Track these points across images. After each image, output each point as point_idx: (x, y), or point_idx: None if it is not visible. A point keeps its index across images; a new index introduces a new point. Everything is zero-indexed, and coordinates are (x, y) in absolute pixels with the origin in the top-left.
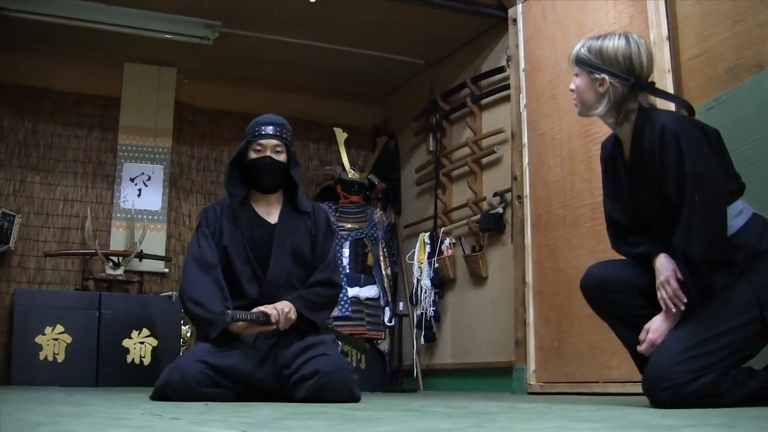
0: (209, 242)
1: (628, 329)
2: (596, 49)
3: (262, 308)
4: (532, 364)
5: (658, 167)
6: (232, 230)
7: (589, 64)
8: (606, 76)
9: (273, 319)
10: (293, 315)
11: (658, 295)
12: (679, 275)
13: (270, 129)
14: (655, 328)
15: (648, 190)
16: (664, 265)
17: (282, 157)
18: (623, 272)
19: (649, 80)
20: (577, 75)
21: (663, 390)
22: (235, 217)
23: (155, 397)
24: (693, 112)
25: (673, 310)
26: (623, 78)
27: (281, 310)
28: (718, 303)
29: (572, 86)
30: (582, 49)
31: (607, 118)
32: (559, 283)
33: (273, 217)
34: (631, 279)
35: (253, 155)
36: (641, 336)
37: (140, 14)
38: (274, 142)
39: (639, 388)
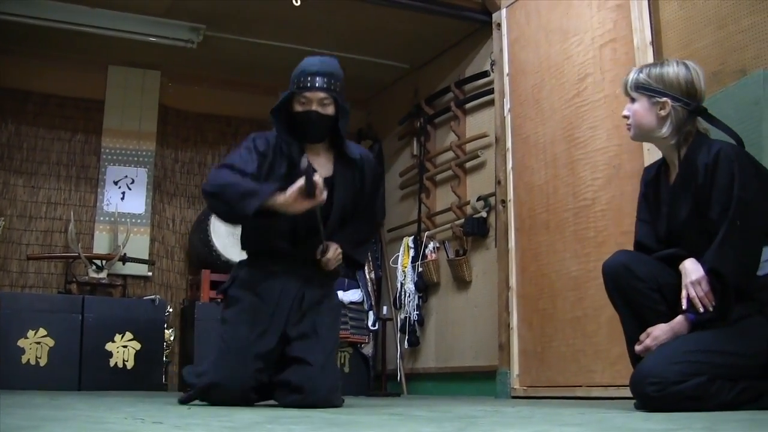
0: (253, 158)
1: (634, 321)
2: (657, 75)
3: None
4: (515, 368)
5: (708, 186)
6: (284, 174)
7: (651, 88)
8: (668, 100)
9: (318, 193)
10: (340, 257)
11: (684, 293)
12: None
13: (317, 80)
14: (656, 335)
15: (689, 210)
16: (695, 267)
17: (330, 110)
18: (649, 265)
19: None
20: (633, 100)
21: (649, 386)
22: (291, 162)
23: (195, 398)
24: (743, 144)
25: (701, 309)
26: (685, 102)
27: (332, 251)
28: (731, 329)
29: (627, 112)
30: (641, 75)
31: (667, 141)
32: (543, 287)
33: (324, 169)
34: (654, 273)
35: (297, 107)
36: (642, 336)
37: (124, 17)
38: (321, 95)
39: (622, 393)
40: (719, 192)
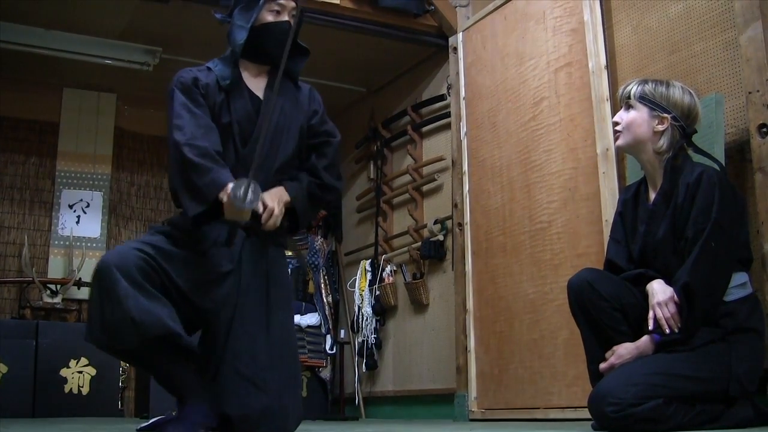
0: (203, 112)
1: (595, 340)
2: (663, 92)
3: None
4: (473, 391)
5: (688, 206)
6: (221, 105)
7: (655, 102)
8: (669, 118)
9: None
10: (281, 215)
11: (651, 314)
12: (676, 299)
13: None
14: (620, 354)
15: (666, 229)
16: (662, 288)
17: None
18: (613, 284)
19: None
20: (631, 108)
21: (608, 406)
22: (227, 89)
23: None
24: (725, 171)
25: (667, 330)
26: (681, 125)
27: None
28: (693, 354)
29: (618, 119)
30: (646, 87)
31: (657, 157)
32: (500, 310)
33: (260, 91)
34: (618, 292)
35: (268, 17)
36: (607, 354)
37: (80, 39)
38: (293, 4)
39: (579, 414)
40: (698, 212)
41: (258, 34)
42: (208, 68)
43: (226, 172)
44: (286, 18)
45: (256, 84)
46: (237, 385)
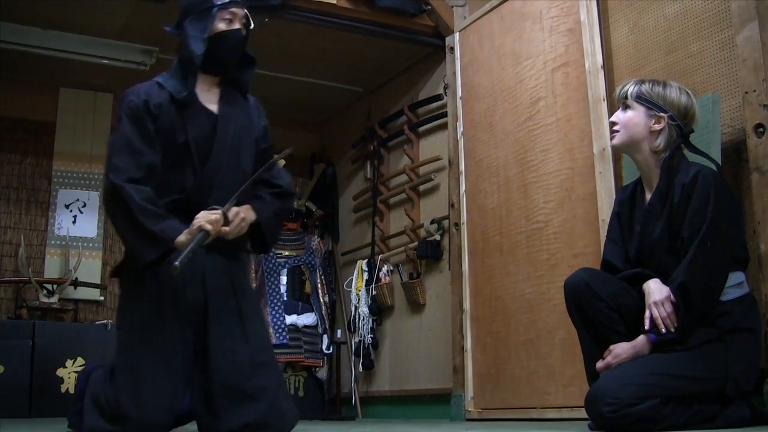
0: (149, 136)
1: (591, 339)
2: (660, 92)
3: (201, 222)
4: (469, 391)
5: (684, 206)
6: (176, 124)
7: (652, 101)
8: (665, 117)
9: (213, 232)
10: (246, 226)
11: (647, 313)
12: (673, 299)
13: None
14: (617, 353)
15: (662, 229)
16: (658, 288)
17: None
18: (610, 284)
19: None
20: (628, 108)
21: (605, 406)
22: (181, 105)
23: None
24: (721, 171)
25: (663, 330)
26: (678, 124)
27: (234, 216)
28: (689, 354)
29: (615, 119)
30: (643, 87)
31: (653, 156)
32: (496, 310)
33: (214, 105)
34: (615, 292)
35: (221, 26)
36: (605, 353)
37: (76, 39)
38: (244, 12)
39: (576, 414)
40: (693, 212)
41: (212, 43)
42: (159, 84)
43: (174, 219)
44: (238, 26)
45: (209, 98)
46: (230, 400)
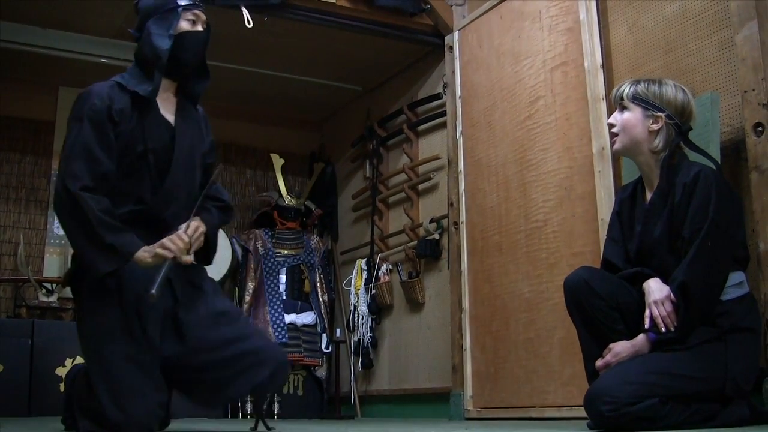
0: (108, 140)
1: (591, 338)
2: (655, 91)
3: (173, 250)
4: (468, 390)
5: (684, 205)
6: (135, 132)
7: (648, 101)
8: (663, 116)
9: (184, 260)
10: (203, 239)
11: (647, 312)
12: (673, 298)
13: None
14: (617, 352)
15: (663, 228)
16: (658, 287)
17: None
18: (610, 283)
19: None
20: (623, 110)
21: (604, 404)
22: (142, 112)
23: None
24: (721, 170)
25: (663, 329)
26: (677, 122)
27: (192, 232)
28: (689, 353)
29: (613, 121)
30: (639, 87)
31: (653, 156)
32: (495, 309)
33: (171, 115)
34: (614, 291)
35: (185, 26)
36: (605, 351)
37: (75, 38)
38: (204, 15)
39: (575, 413)
40: (694, 212)
41: (175, 42)
42: (120, 84)
43: (131, 233)
44: (200, 28)
45: (167, 107)
46: (230, 368)
